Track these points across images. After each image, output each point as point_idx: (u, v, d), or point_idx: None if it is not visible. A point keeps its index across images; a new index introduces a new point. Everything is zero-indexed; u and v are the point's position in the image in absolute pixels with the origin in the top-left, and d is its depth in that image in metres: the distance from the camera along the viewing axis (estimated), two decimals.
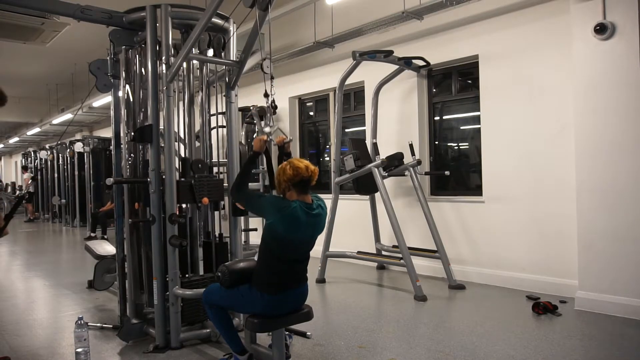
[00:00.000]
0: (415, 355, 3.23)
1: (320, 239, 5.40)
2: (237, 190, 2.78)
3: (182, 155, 3.85)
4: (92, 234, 9.50)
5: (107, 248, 4.90)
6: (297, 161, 2.64)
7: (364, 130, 6.36)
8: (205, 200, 3.47)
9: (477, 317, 4.02)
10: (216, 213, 3.87)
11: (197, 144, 3.96)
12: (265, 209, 2.64)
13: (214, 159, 3.94)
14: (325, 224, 2.76)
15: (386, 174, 5.34)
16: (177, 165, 3.65)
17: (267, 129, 3.13)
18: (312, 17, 6.47)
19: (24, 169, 16.35)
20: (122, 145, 3.76)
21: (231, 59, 3.71)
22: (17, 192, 15.55)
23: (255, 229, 6.48)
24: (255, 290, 2.68)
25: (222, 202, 3.97)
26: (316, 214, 2.65)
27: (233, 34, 3.75)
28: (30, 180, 14.56)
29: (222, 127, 4.74)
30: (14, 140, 19.30)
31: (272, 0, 2.88)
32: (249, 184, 2.94)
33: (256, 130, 7.48)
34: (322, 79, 6.94)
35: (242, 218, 4.30)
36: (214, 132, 4.05)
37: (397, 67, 5.60)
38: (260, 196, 2.73)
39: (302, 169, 2.59)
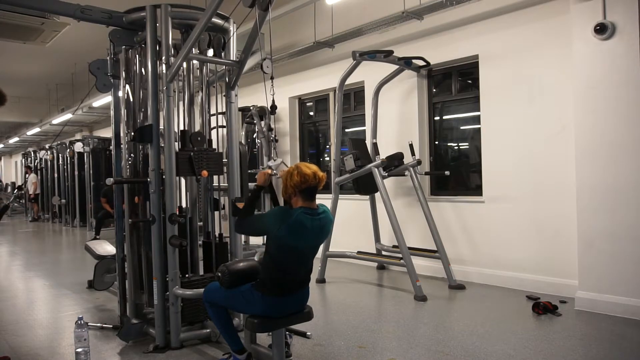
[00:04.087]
0: (415, 355, 3.23)
1: None
2: (241, 224, 2.71)
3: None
4: (97, 237, 9.45)
5: (107, 248, 4.89)
6: (304, 167, 2.55)
7: (364, 130, 6.36)
8: (205, 173, 3.44)
9: (477, 317, 4.02)
10: (216, 213, 3.87)
11: None
12: (268, 224, 2.55)
13: None
14: (331, 228, 2.68)
15: (386, 174, 5.34)
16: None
17: (271, 163, 3.13)
18: (312, 17, 6.47)
19: (28, 168, 16.20)
20: (122, 145, 3.76)
21: (231, 59, 3.71)
22: (17, 192, 15.47)
23: None
24: (256, 291, 2.68)
25: (222, 203, 3.97)
26: (322, 217, 2.59)
27: (233, 34, 3.75)
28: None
29: (222, 127, 4.75)
30: (14, 140, 19.29)
31: (272, 0, 2.88)
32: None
33: (256, 130, 7.48)
34: (322, 79, 6.94)
35: None
36: (214, 132, 4.05)
37: (397, 67, 5.60)
38: (260, 216, 2.65)
39: (310, 176, 2.51)
